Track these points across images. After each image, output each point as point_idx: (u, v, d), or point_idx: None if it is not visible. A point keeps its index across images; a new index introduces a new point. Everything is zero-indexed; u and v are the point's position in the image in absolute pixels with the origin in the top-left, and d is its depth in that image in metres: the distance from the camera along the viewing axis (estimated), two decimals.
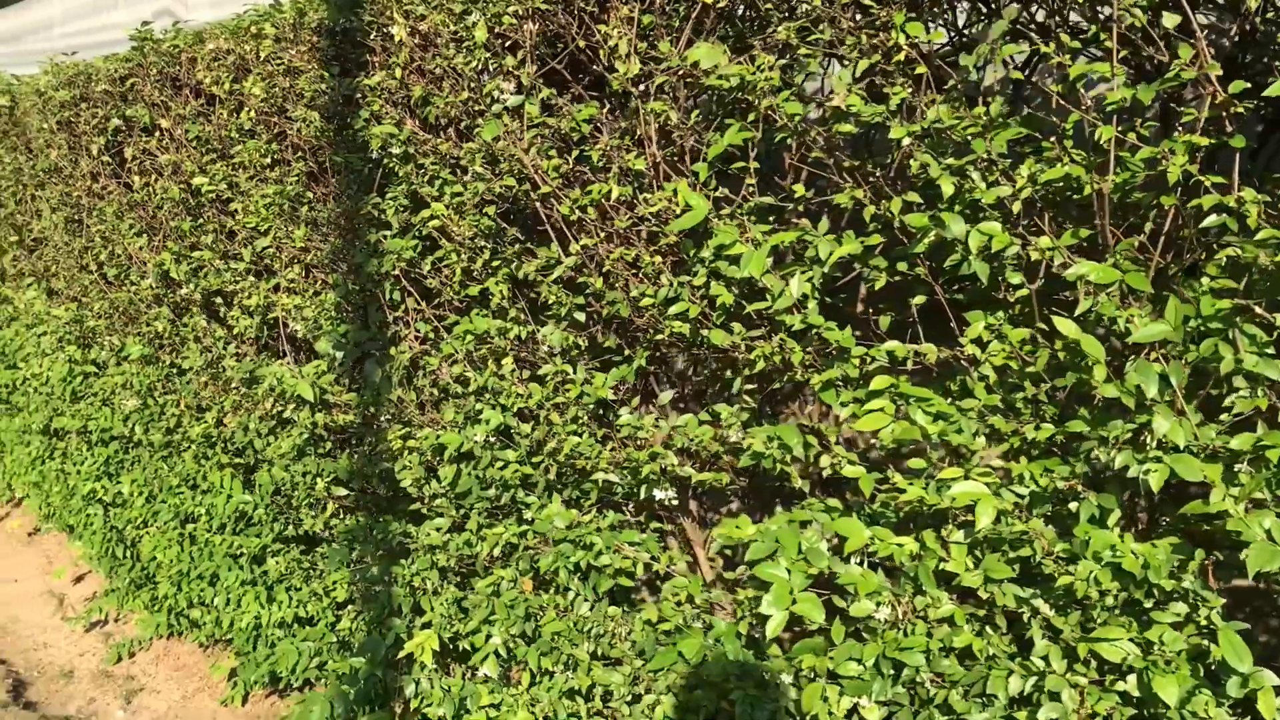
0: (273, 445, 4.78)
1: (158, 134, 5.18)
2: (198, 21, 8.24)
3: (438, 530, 4.12)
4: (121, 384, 5.84)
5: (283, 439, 4.80)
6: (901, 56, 2.43)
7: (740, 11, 2.96)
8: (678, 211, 2.88)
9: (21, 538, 8.70)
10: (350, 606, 4.52)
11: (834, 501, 3.00)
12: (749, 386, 2.95)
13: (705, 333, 2.90)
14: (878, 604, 2.67)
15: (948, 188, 2.40)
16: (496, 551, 3.80)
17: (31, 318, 6.87)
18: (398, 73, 3.70)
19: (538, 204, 3.35)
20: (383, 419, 4.25)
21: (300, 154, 4.40)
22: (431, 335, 3.89)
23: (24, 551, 8.60)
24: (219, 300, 5.00)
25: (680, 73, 2.92)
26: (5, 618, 7.55)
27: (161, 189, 5.17)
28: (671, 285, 2.95)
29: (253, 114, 4.56)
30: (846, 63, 2.68)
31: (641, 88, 3.03)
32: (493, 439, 3.69)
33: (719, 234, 2.79)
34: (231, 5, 7.87)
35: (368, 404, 4.36)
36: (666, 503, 3.33)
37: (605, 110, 3.21)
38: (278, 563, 4.95)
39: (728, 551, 3.70)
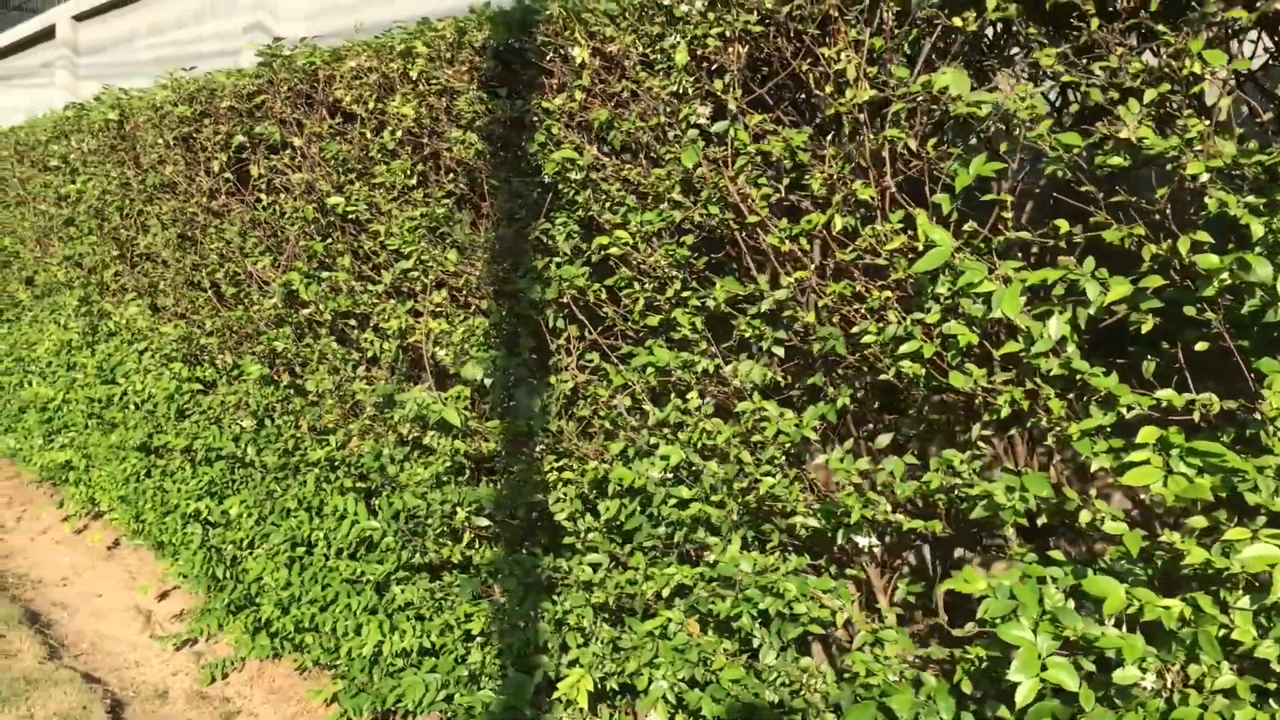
0: (408, 471, 4.59)
1: (288, 152, 5.01)
2: (290, 36, 8.11)
3: (592, 566, 3.92)
4: (235, 403, 5.67)
5: (416, 465, 4.61)
6: (1201, 87, 2.22)
7: (989, 36, 2.75)
8: (919, 246, 2.67)
9: (101, 551, 8.54)
10: (480, 639, 4.32)
11: (1056, 554, 2.78)
12: (985, 433, 2.73)
13: (942, 375, 2.69)
14: (1144, 670, 2.45)
15: (1257, 229, 2.19)
16: (666, 592, 3.59)
17: (132, 334, 6.71)
18: (578, 95, 3.51)
19: (738, 233, 3.15)
20: (536, 448, 4.05)
21: (452, 176, 4.22)
22: (599, 364, 3.69)
23: (105, 565, 8.45)
24: (350, 322, 4.81)
25: (919, 98, 2.71)
26: (94, 633, 7.38)
27: (291, 208, 5.00)
28: (903, 323, 2.74)
29: (398, 134, 4.38)
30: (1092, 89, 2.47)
31: (866, 114, 2.83)
32: (670, 476, 3.48)
33: (965, 270, 2.58)
34: (328, 20, 7.74)
35: (516, 432, 4.17)
36: (868, 550, 3.12)
37: (816, 137, 3.01)
38: (403, 590, 4.75)
39: (910, 599, 3.48)
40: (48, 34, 12.08)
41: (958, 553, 3.64)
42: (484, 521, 4.36)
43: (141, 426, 6.66)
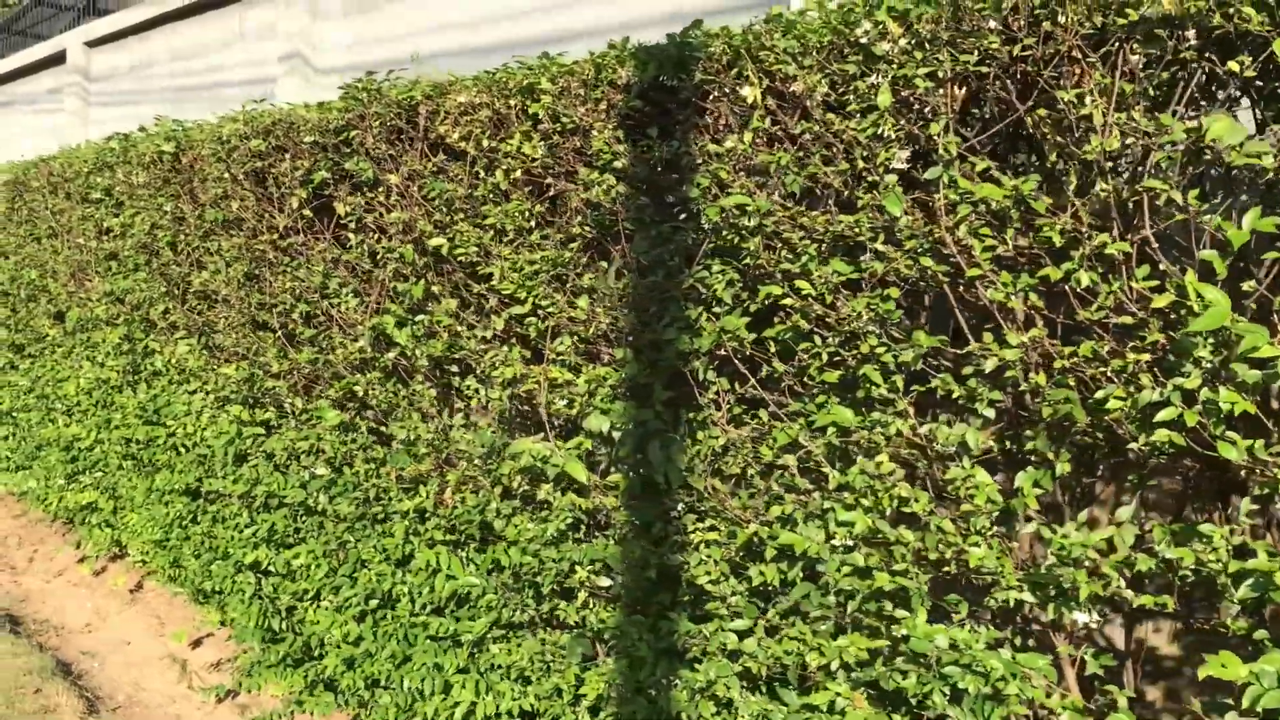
0: (517, 527, 4.31)
1: (382, 189, 4.74)
2: (330, 66, 7.83)
3: (739, 633, 3.66)
4: (306, 449, 5.36)
5: (525, 519, 4.33)
6: None
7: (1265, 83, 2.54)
8: (1186, 305, 2.44)
9: (124, 595, 8.17)
10: (593, 705, 4.05)
11: None
12: (1253, 507, 2.51)
13: (1201, 444, 2.46)
14: None
15: None
16: (834, 664, 3.33)
17: (181, 374, 6.39)
18: (747, 137, 3.27)
19: (949, 287, 2.92)
20: (674, 506, 3.79)
21: (580, 218, 3.96)
22: (761, 421, 3.43)
23: (129, 610, 8.08)
24: (451, 369, 4.54)
25: (1182, 147, 2.49)
26: (130, 684, 7.02)
27: (384, 248, 4.72)
28: (1163, 389, 2.51)
29: (517, 173, 4.13)
30: None
31: (1112, 162, 2.61)
32: (850, 543, 3.23)
33: (1244, 334, 2.36)
34: (370, 51, 7.48)
35: (649, 488, 3.91)
36: (1090, 625, 2.88)
37: (1048, 186, 2.78)
38: (504, 650, 4.47)
39: (1100, 672, 3.24)
40: (57, 59, 11.71)
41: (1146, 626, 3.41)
42: (605, 581, 4.08)
43: (191, 470, 6.33)
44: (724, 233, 3.33)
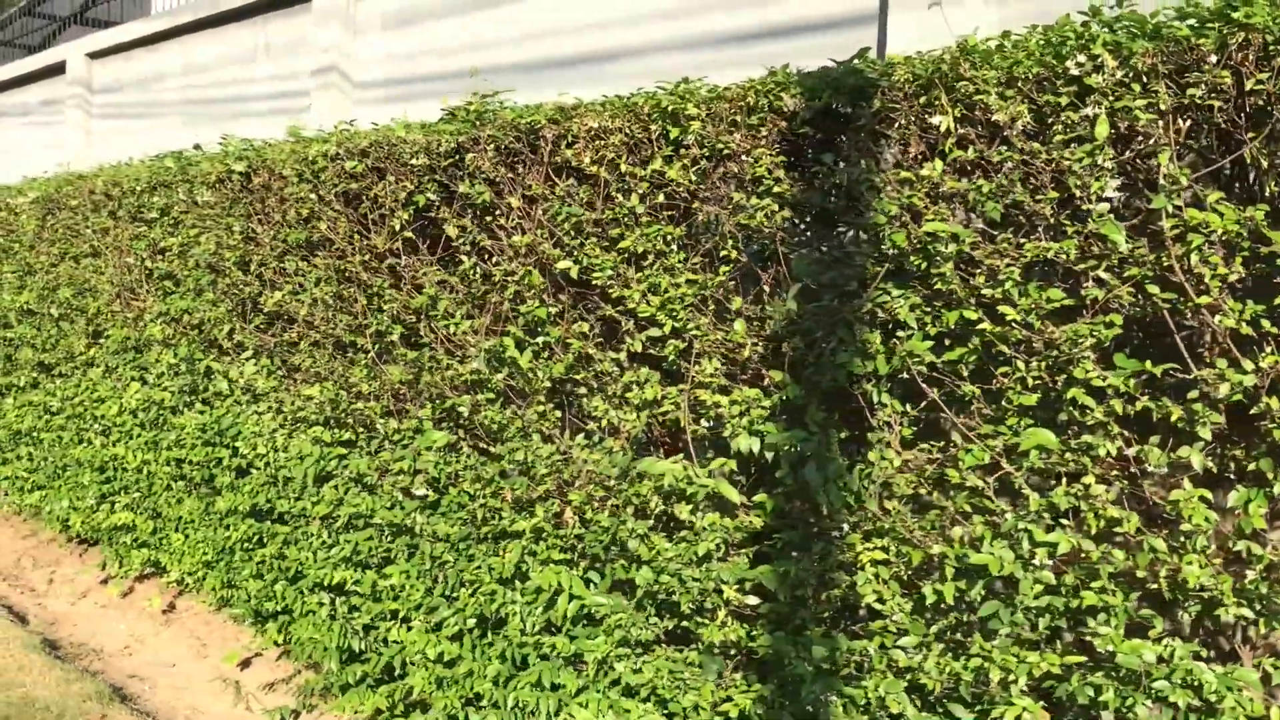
0: (652, 547, 4.30)
1: (500, 212, 4.71)
2: (367, 80, 7.76)
3: (906, 650, 3.70)
4: (405, 469, 5.30)
5: (658, 539, 4.33)
6: None
7: None
8: None
9: (156, 616, 8.05)
10: None
11: None
12: None
13: None
14: None
15: None
16: (1022, 680, 3.38)
17: (250, 395, 6.29)
18: (938, 164, 3.30)
19: (1170, 314, 2.97)
20: (837, 527, 3.81)
21: (732, 242, 3.97)
22: (947, 443, 3.47)
23: (166, 632, 7.96)
24: (579, 390, 4.52)
25: None
26: (186, 708, 6.92)
27: (502, 272, 4.69)
28: None
29: (659, 197, 4.13)
30: None
31: None
32: (1048, 561, 3.28)
33: None
34: (411, 67, 7.42)
35: (802, 509, 3.93)
36: None
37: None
38: (635, 670, 4.47)
39: None
40: (54, 70, 11.43)
41: None
42: (753, 600, 4.10)
43: (262, 492, 6.23)
44: (910, 258, 3.36)
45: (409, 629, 5.39)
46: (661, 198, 4.10)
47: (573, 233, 4.40)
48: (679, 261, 4.11)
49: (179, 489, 7.04)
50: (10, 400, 8.86)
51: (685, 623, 4.46)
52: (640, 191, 4.19)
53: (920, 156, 3.32)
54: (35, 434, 8.72)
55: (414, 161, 4.91)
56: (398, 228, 5.06)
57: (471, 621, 5.23)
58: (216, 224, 6.18)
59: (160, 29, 9.64)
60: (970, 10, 4.53)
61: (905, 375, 3.50)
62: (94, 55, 10.63)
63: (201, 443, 6.60)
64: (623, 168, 4.19)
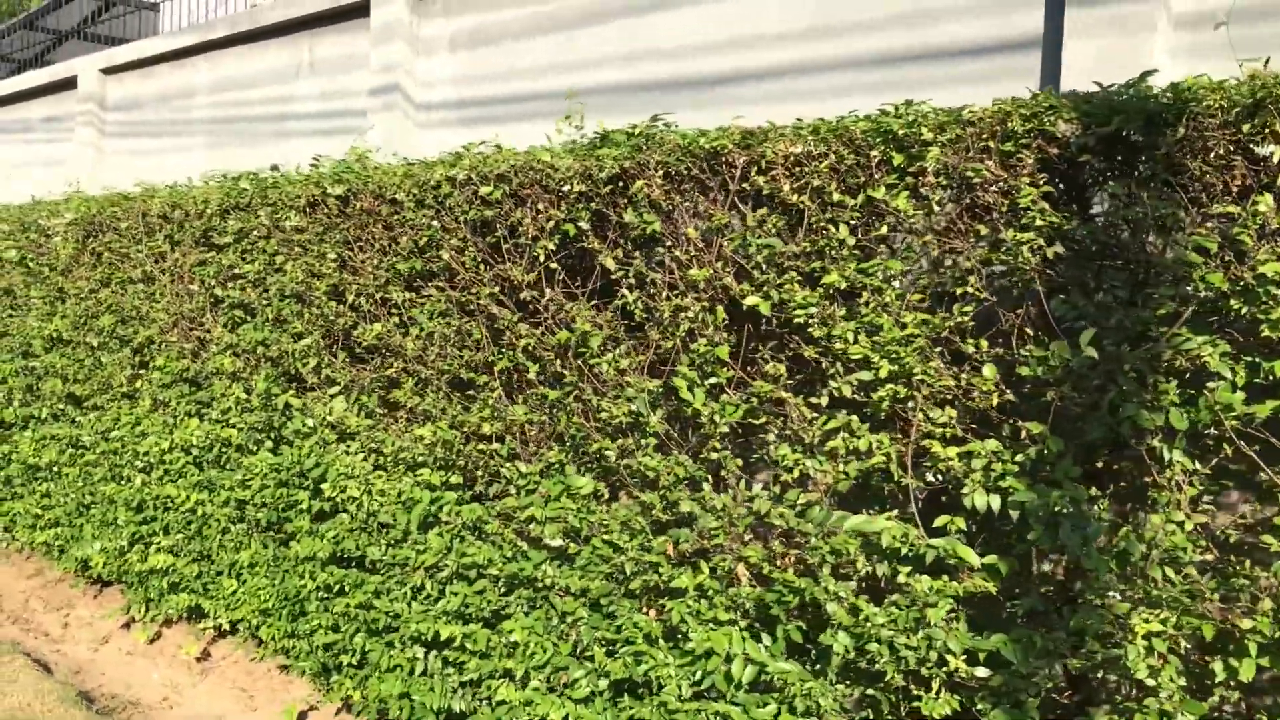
0: (855, 610, 3.87)
1: (671, 243, 4.27)
2: (434, 101, 7.26)
3: None
4: (537, 516, 4.82)
5: (861, 602, 3.90)
6: None
7: None
8: None
9: (189, 663, 7.45)
10: None
11: None
12: None
13: None
14: None
15: None
16: None
17: (336, 433, 5.75)
18: (1267, 199, 2.93)
19: None
20: (1098, 594, 3.41)
21: (975, 280, 3.57)
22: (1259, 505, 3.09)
23: (205, 682, 7.37)
24: (768, 436, 4.08)
25: None
26: None
27: (672, 305, 4.24)
28: None
29: (883, 228, 3.72)
30: None
31: None
32: None
33: None
34: (484, 89, 6.95)
35: (1043, 571, 3.53)
36: None
37: None
38: None
39: None
40: (61, 85, 10.73)
41: None
42: (983, 672, 3.68)
43: (350, 538, 5.69)
44: (1230, 300, 2.99)
45: (522, 688, 4.91)
46: (884, 229, 3.69)
47: (763, 266, 3.96)
48: (897, 298, 3.70)
49: (238, 532, 6.46)
50: (29, 433, 8.17)
51: (871, 690, 4.04)
52: (850, 222, 3.78)
53: (1244, 189, 2.95)
54: (57, 469, 8.05)
55: (566, 188, 4.44)
56: (541, 258, 4.59)
57: (603, 683, 4.76)
58: (305, 251, 5.65)
59: (187, 44, 9.04)
60: (1163, 40, 4.20)
61: (1202, 429, 3.11)
62: (108, 71, 9.97)
63: (275, 484, 6.03)
64: (834, 196, 3.77)
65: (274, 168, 6.12)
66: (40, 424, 8.03)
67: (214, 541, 6.59)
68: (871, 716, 3.92)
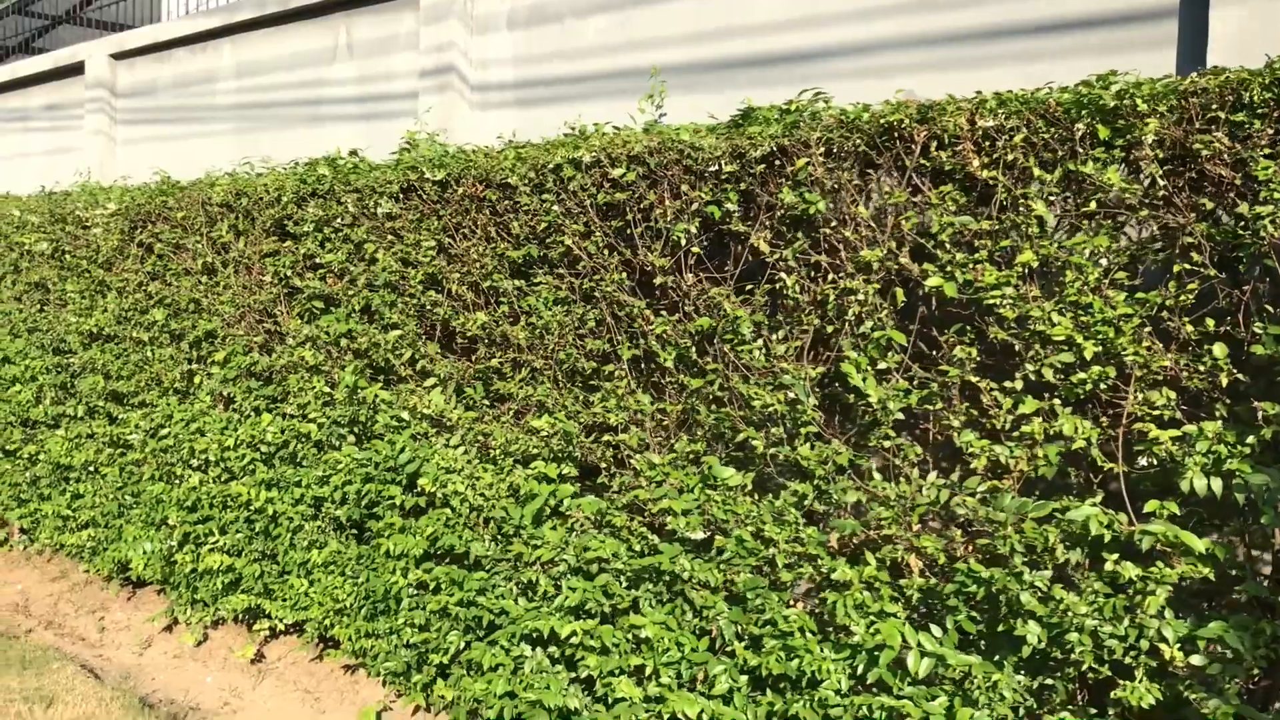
0: (1059, 600, 3.67)
1: (836, 223, 4.02)
2: (491, 82, 6.94)
3: None
4: (676, 508, 4.57)
5: (1061, 592, 3.71)
6: None
7: None
8: None
9: (244, 666, 7.14)
10: None
11: None
12: None
13: None
14: None
15: None
16: None
17: (430, 425, 5.44)
18: None
19: None
20: None
21: (1202, 257, 3.37)
22: None
23: (264, 685, 7.07)
24: (951, 422, 3.86)
25: None
26: None
27: (837, 288, 4.01)
28: None
29: (1092, 204, 3.51)
30: None
31: None
32: None
33: None
34: (546, 68, 6.65)
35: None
36: None
37: None
38: None
39: None
40: (65, 72, 10.17)
41: None
42: (1199, 660, 3.51)
43: (448, 534, 5.39)
44: None
45: (642, 685, 4.68)
46: (1093, 205, 3.48)
47: (947, 245, 3.74)
48: (1104, 276, 3.50)
49: (312, 530, 6.12)
50: (61, 432, 7.72)
51: (1051, 680, 3.85)
52: (1047, 198, 3.57)
53: None
54: (93, 468, 7.62)
55: (713, 168, 4.18)
56: (682, 242, 4.32)
57: (743, 679, 4.55)
58: (399, 239, 5.32)
59: (209, 27, 8.58)
60: None
61: None
62: (119, 56, 9.46)
63: (360, 479, 5.71)
64: (1034, 172, 3.56)
65: (353, 152, 5.77)
66: (76, 422, 7.59)
67: (283, 541, 6.25)
68: (1045, 707, 3.73)
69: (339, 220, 5.47)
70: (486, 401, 5.08)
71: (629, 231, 4.48)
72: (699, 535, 4.40)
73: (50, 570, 9.24)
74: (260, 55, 8.22)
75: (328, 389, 5.65)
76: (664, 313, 4.39)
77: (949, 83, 4.44)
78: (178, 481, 6.87)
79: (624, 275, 4.51)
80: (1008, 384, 3.64)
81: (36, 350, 7.75)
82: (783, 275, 4.04)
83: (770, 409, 4.13)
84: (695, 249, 4.30)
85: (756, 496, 4.33)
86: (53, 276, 7.47)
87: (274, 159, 7.26)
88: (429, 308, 5.21)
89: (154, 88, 9.11)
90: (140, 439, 6.88)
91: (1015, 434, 3.68)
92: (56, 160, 10.11)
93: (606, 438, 4.66)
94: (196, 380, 6.41)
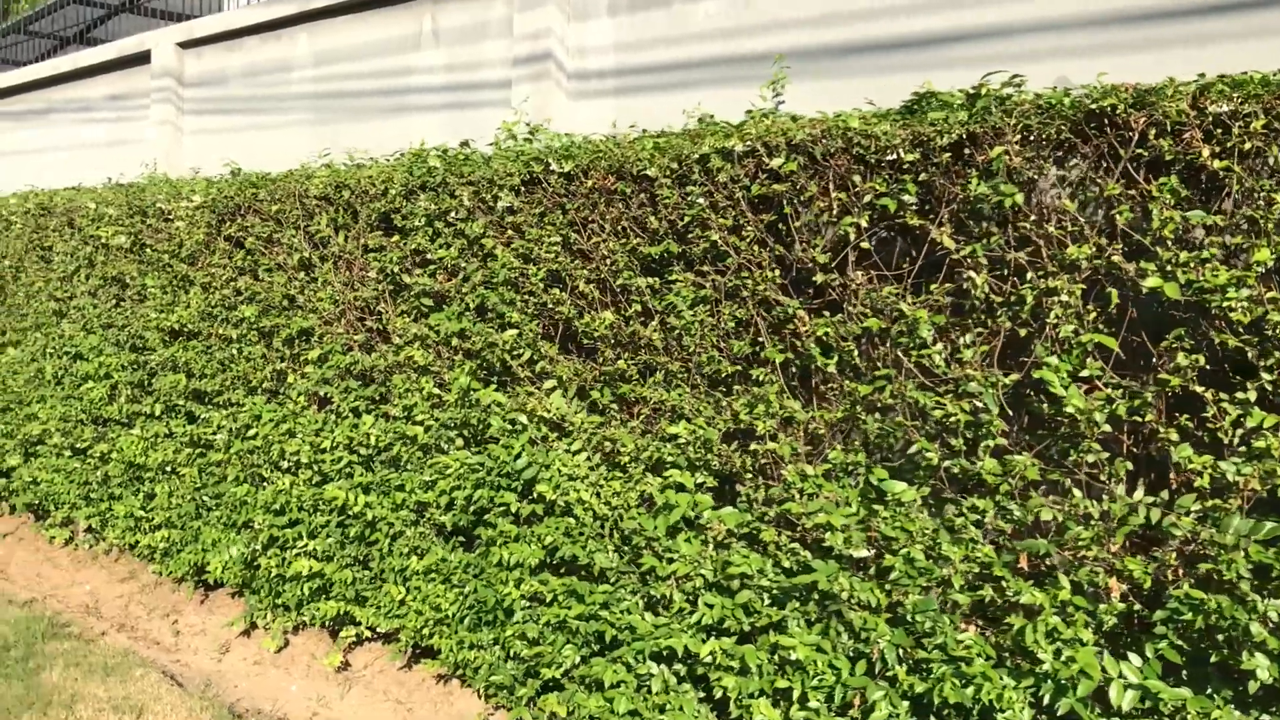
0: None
1: (1036, 217, 3.63)
2: (592, 70, 6.55)
3: None
4: (834, 523, 4.19)
5: None
6: None
7: None
8: None
9: (328, 674, 6.82)
10: None
11: None
12: None
13: None
14: None
15: None
16: None
17: (551, 430, 5.08)
18: None
19: None
20: None
21: None
22: None
23: (352, 694, 6.79)
24: (1168, 434, 3.47)
25: None
26: None
27: (1036, 291, 3.62)
28: None
29: None
30: None
31: None
32: None
33: None
34: (652, 55, 6.26)
35: None
36: None
37: None
38: None
39: None
40: (130, 61, 9.80)
41: None
42: None
43: (569, 544, 5.03)
44: None
45: (794, 710, 4.32)
46: None
47: (1168, 242, 3.34)
48: None
49: (414, 536, 5.77)
50: (136, 431, 7.38)
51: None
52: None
53: None
54: (172, 468, 7.28)
55: (890, 157, 3.79)
56: (851, 236, 3.93)
57: (903, 705, 4.18)
58: (519, 234, 4.95)
59: (283, 15, 8.19)
60: None
61: None
62: (186, 45, 9.09)
63: (471, 485, 5.35)
64: (1274, 161, 3.16)
65: (464, 144, 5.39)
66: (152, 421, 7.24)
67: (380, 546, 5.90)
68: None
69: (452, 214, 5.09)
70: (615, 406, 4.70)
71: (783, 226, 4.09)
72: (863, 553, 4.02)
73: (118, 570, 8.94)
74: (339, 43, 7.84)
75: (437, 390, 5.28)
76: (826, 313, 4.00)
77: (1102, 68, 4.04)
78: (264, 484, 6.52)
79: (776, 272, 4.12)
80: (1239, 395, 3.24)
81: (111, 347, 7.39)
82: (970, 273, 3.64)
83: (952, 418, 3.74)
84: (865, 244, 3.91)
85: (926, 512, 3.94)
86: (131, 271, 7.11)
87: (355, 150, 6.90)
88: (550, 306, 4.84)
89: (223, 77, 8.74)
90: (224, 439, 6.53)
91: (1243, 449, 3.28)
92: (119, 152, 9.75)
93: (754, 446, 4.28)
94: (289, 380, 6.04)
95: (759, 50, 5.59)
